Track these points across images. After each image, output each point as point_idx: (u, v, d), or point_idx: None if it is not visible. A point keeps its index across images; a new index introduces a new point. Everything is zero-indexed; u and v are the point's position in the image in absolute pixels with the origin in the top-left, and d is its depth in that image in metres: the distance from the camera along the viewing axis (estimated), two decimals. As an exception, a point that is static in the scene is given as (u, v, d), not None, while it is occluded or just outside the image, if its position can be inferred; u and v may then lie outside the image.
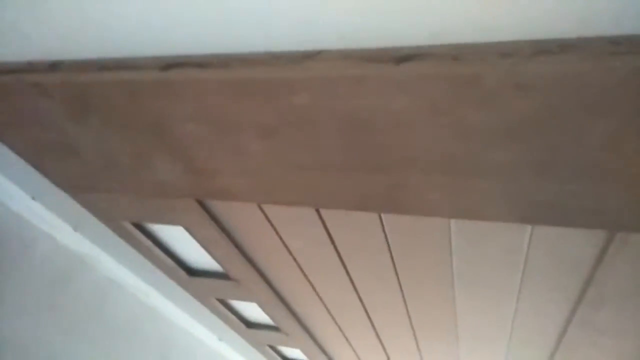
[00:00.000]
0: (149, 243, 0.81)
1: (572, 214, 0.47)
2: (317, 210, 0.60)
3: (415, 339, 1.02)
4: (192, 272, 0.91)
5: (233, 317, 1.10)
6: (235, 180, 0.55)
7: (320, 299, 0.90)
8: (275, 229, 0.66)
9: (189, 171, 0.56)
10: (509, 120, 0.36)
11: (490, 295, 0.74)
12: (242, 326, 1.15)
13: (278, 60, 0.39)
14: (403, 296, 0.82)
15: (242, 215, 0.67)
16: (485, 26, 0.33)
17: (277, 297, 0.91)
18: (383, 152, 0.44)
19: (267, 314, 1.02)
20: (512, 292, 0.71)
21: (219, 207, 0.65)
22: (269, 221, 0.64)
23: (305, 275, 0.80)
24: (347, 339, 1.12)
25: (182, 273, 0.89)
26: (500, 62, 0.32)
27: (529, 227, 0.57)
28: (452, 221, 0.59)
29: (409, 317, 0.91)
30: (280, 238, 0.68)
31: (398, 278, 0.75)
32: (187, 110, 0.46)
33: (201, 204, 0.64)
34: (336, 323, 1.02)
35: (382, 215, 0.60)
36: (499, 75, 0.32)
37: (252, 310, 1.10)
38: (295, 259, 0.75)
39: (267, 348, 1.31)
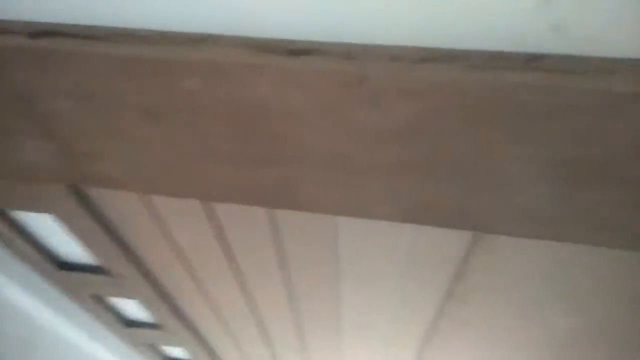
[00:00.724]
0: (11, 233, 0.72)
1: (446, 214, 0.51)
2: (207, 203, 0.58)
3: (302, 334, 1.04)
4: (63, 265, 0.83)
5: (109, 315, 1.03)
6: (116, 166, 0.51)
7: (208, 295, 0.87)
8: (160, 222, 0.62)
9: (62, 153, 0.50)
10: (395, 122, 0.38)
11: (372, 289, 0.78)
12: (120, 325, 1.08)
13: (169, 40, 0.37)
14: (291, 292, 0.82)
15: (123, 206, 0.62)
16: (380, 29, 0.35)
17: (161, 294, 0.86)
18: (275, 145, 0.44)
19: (150, 311, 0.96)
20: (392, 288, 0.75)
21: (98, 195, 0.60)
22: (154, 213, 0.61)
23: (192, 271, 0.77)
24: (233, 336, 1.11)
25: (48, 266, 0.81)
26: (389, 64, 0.34)
27: (409, 226, 0.61)
28: (339, 218, 0.61)
29: (297, 312, 0.92)
30: (166, 232, 0.65)
31: (288, 274, 0.76)
32: (62, 86, 0.41)
33: (76, 190, 0.58)
34: (223, 320, 1.00)
35: (273, 210, 0.59)
36: (386, 77, 0.34)
37: (131, 308, 1.03)
38: (182, 255, 0.71)
39: (147, 347, 1.24)
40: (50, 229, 0.74)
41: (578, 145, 0.36)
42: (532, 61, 0.31)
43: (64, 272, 0.83)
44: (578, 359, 0.87)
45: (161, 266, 0.78)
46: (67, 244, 0.77)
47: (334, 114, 0.38)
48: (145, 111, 0.41)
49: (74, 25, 0.38)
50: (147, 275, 0.79)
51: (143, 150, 0.47)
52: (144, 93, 0.40)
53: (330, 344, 1.08)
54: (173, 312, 0.94)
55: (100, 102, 0.42)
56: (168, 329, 1.05)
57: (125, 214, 0.63)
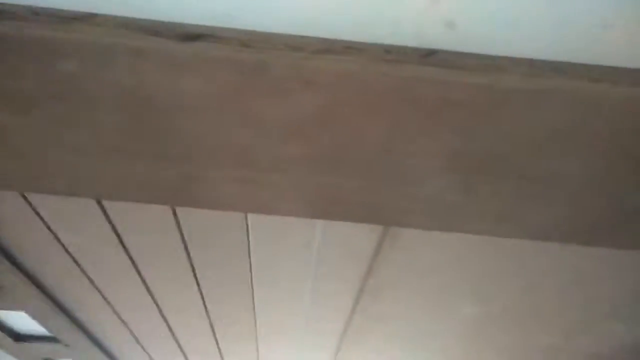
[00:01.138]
0: None
1: (354, 209, 0.50)
2: (99, 202, 0.53)
3: (216, 339, 1.00)
4: None
5: (-5, 330, 0.92)
6: (-12, 161, 0.45)
7: (109, 303, 0.81)
8: (45, 223, 0.56)
9: None
10: (298, 114, 0.37)
11: (286, 290, 0.77)
12: (9, 340, 0.97)
13: (41, 17, 0.33)
14: (202, 296, 0.79)
15: (2, 206, 0.55)
16: (278, 17, 0.33)
17: (52, 304, 0.79)
18: (172, 138, 0.40)
19: (41, 324, 0.87)
20: (306, 286, 0.75)
21: (-31, 195, 0.53)
22: (37, 213, 0.54)
23: (87, 277, 0.70)
24: (142, 346, 1.04)
25: None
26: (289, 54, 0.32)
27: (320, 222, 0.60)
28: (250, 216, 0.59)
29: (208, 317, 0.88)
30: (53, 234, 0.58)
31: (196, 278, 0.72)
32: None
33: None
34: (128, 328, 0.93)
35: (176, 208, 0.56)
36: (286, 67, 0.32)
37: (21, 320, 0.93)
38: (74, 259, 0.65)
39: (44, 363, 1.13)
40: None
41: (472, 139, 0.37)
42: (427, 56, 0.31)
43: None
44: (485, 345, 0.92)
45: (53, 273, 0.71)
46: None
47: (233, 105, 0.36)
48: (18, 97, 0.36)
49: None
50: (33, 282, 0.71)
51: (19, 143, 0.42)
52: (15, 77, 0.35)
53: (246, 346, 1.06)
54: (70, 323, 0.86)
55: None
56: (64, 342, 0.96)
57: (4, 215, 0.56)
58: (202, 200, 0.51)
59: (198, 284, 0.74)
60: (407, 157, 0.42)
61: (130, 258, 0.65)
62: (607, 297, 0.69)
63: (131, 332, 0.96)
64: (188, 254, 0.64)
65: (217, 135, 0.40)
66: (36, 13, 0.32)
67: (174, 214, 0.56)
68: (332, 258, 0.67)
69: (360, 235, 0.62)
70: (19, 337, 0.99)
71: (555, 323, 0.78)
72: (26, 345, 1.00)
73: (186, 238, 0.61)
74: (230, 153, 0.43)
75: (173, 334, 0.98)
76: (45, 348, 1.02)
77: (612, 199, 0.45)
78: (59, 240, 0.60)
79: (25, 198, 0.52)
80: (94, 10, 0.33)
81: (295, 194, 0.50)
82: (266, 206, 0.52)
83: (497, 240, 0.61)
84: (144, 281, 0.72)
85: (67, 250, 0.63)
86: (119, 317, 0.87)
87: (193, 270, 0.69)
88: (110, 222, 0.56)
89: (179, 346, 1.05)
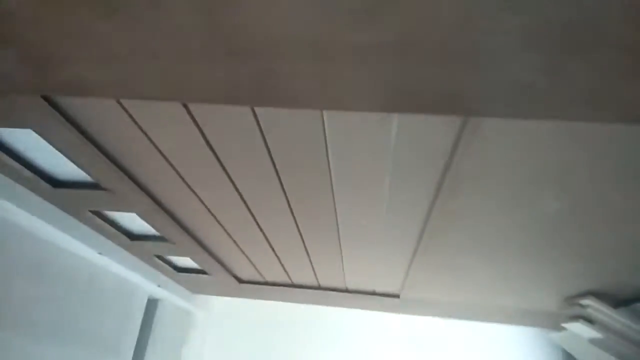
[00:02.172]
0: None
1: (431, 100, 0.49)
2: (185, 106, 0.56)
3: (302, 238, 1.07)
4: (57, 183, 0.84)
5: (113, 229, 1.06)
6: (86, 70, 0.49)
7: (202, 202, 0.88)
8: (141, 129, 0.61)
9: (26, 59, 0.48)
10: (367, -4, 0.35)
11: (365, 188, 0.78)
12: (125, 238, 1.11)
13: None
14: (285, 195, 0.84)
15: (102, 115, 0.60)
16: None
17: (156, 205, 0.88)
18: (245, 34, 0.41)
19: (149, 223, 0.99)
20: (384, 185, 0.76)
21: (74, 105, 0.59)
22: (134, 120, 0.59)
23: (182, 178, 0.77)
24: (235, 243, 1.14)
25: (44, 185, 0.81)
26: None
27: (395, 118, 0.59)
28: (325, 114, 0.60)
29: (293, 216, 0.94)
30: (149, 139, 0.64)
31: (278, 176, 0.76)
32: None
33: (50, 101, 0.56)
34: (222, 226, 1.03)
35: (255, 109, 0.58)
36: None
37: (134, 221, 1.06)
38: (169, 162, 0.71)
39: (155, 259, 1.29)
40: (35, 146, 0.74)
41: (563, 8, 0.33)
42: None
43: (60, 190, 0.84)
44: (562, 242, 0.90)
45: (151, 176, 0.78)
46: (55, 160, 0.77)
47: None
48: (100, 2, 0.38)
49: None
50: (140, 186, 0.80)
51: (109, 50, 0.45)
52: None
53: (330, 248, 1.12)
54: (172, 223, 0.97)
55: (51, -4, 0.39)
56: (171, 240, 1.08)
57: (105, 124, 0.62)
58: (278, 98, 0.52)
59: (281, 184, 0.78)
60: (489, 36, 0.39)
61: (218, 158, 0.70)
62: None
63: (224, 229, 1.05)
64: (269, 152, 0.67)
65: (288, 26, 0.40)
66: None
67: (254, 114, 0.59)
68: (407, 155, 0.67)
69: (438, 129, 0.60)
70: (133, 236, 1.13)
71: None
72: (140, 243, 1.15)
73: (266, 136, 0.64)
74: (301, 46, 0.43)
75: (262, 232, 1.06)
76: (157, 246, 1.16)
77: None
78: (154, 144, 0.65)
79: (121, 105, 0.57)
80: None
81: (368, 86, 0.49)
82: (340, 101, 0.53)
83: (586, 128, 0.57)
84: (231, 180, 0.78)
85: (162, 154, 0.69)
86: (214, 216, 0.96)
87: (275, 168, 0.73)
88: (197, 124, 0.60)
89: (269, 244, 1.15)
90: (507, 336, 1.82)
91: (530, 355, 1.79)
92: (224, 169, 0.73)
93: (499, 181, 0.70)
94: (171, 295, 1.57)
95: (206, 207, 0.90)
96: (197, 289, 1.71)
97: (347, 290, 1.62)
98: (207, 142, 0.64)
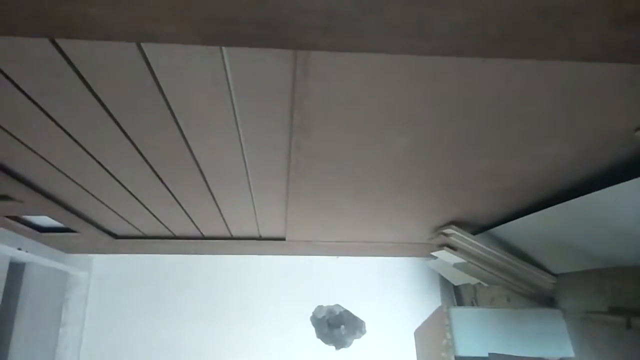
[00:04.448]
0: None
1: (244, 29, 0.46)
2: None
3: (166, 187, 1.02)
4: None
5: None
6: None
7: (43, 158, 0.79)
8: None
9: None
10: None
11: (214, 123, 0.73)
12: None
13: None
14: (129, 139, 0.77)
15: None
16: None
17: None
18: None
19: None
20: (233, 120, 0.72)
21: None
22: None
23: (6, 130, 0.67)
24: (94, 196, 1.06)
25: None
26: None
27: (223, 52, 0.55)
28: (145, 47, 0.54)
29: (148, 163, 0.88)
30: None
31: (116, 121, 0.69)
32: None
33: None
34: (73, 181, 0.94)
35: (58, 41, 0.51)
36: None
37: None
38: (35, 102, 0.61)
39: (8, 220, 1.16)
40: None
41: None
42: None
43: None
44: (420, 175, 0.94)
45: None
46: None
47: None
48: None
49: None
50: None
51: None
52: None
53: (203, 196, 1.08)
54: (10, 179, 0.86)
55: None
56: (17, 198, 0.97)
57: None
58: (82, 31, 0.46)
59: (120, 127, 0.72)
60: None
61: (29, 98, 0.61)
62: (538, 117, 0.68)
63: (80, 185, 0.96)
64: (92, 91, 0.61)
65: None
66: None
67: (58, 48, 0.51)
68: (250, 90, 0.63)
69: (272, 65, 0.57)
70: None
71: (486, 147, 0.79)
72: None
73: (83, 74, 0.57)
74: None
75: (124, 187, 0.99)
76: (3, 206, 1.04)
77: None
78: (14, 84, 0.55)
79: None
80: None
81: (178, 16, 0.45)
82: (152, 34, 0.47)
83: (412, 61, 0.57)
84: (61, 128, 0.70)
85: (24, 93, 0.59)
86: (64, 174, 0.86)
87: (109, 113, 0.67)
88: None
89: (134, 196, 1.08)
90: (395, 265, 1.97)
91: (414, 280, 1.96)
92: (44, 112, 0.65)
93: (345, 119, 0.70)
94: (40, 258, 1.45)
95: (49, 162, 0.81)
96: (69, 249, 1.59)
97: (232, 237, 1.60)
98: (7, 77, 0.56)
